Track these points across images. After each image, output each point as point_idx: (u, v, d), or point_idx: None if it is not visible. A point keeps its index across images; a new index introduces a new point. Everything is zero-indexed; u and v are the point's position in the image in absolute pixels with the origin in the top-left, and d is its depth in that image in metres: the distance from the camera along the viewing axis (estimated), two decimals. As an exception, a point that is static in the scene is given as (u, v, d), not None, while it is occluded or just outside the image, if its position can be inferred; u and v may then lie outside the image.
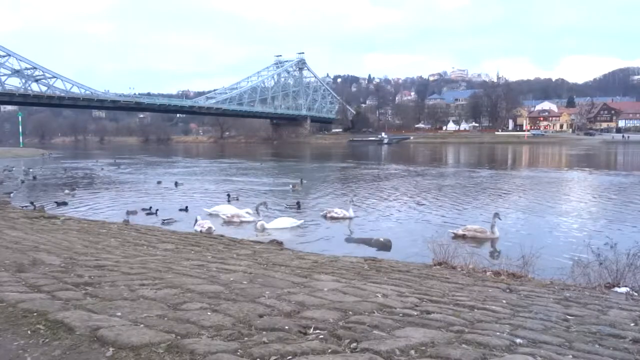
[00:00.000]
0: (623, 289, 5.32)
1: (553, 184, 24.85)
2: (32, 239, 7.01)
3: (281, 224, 12.42)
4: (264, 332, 2.84)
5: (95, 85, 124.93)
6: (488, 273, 6.06)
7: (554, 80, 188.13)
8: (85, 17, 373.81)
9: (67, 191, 20.60)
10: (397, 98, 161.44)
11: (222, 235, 9.63)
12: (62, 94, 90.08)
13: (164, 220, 13.19)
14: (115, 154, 63.81)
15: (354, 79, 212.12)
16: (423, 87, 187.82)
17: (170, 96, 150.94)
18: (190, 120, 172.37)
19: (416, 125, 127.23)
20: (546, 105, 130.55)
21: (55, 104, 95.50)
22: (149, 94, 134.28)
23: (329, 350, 2.58)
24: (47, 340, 2.60)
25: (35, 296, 3.48)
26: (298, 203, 16.22)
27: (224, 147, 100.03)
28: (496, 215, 11.54)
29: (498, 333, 3.09)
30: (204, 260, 5.89)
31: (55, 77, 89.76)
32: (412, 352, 2.62)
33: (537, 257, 6.72)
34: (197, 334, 2.77)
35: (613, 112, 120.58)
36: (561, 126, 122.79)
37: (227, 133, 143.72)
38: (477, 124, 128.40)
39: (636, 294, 5.19)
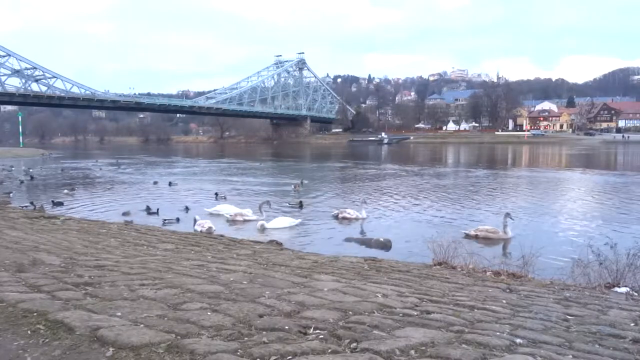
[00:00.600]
0: (623, 289, 5.32)
1: (553, 184, 24.86)
2: (32, 239, 7.00)
3: (280, 224, 12.44)
4: (264, 332, 2.83)
5: (95, 85, 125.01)
6: (488, 273, 6.06)
7: (554, 80, 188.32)
8: (85, 17, 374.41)
9: (65, 191, 20.59)
10: (397, 98, 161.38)
11: (222, 235, 9.63)
12: (62, 94, 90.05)
13: (165, 220, 13.20)
14: (115, 154, 63.83)
15: (354, 79, 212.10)
16: (423, 87, 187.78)
17: (170, 96, 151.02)
18: (190, 120, 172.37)
19: (416, 125, 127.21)
20: (546, 105, 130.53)
21: (55, 104, 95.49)
22: (149, 94, 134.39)
23: (329, 350, 2.58)
24: (47, 340, 2.60)
25: (35, 296, 3.48)
26: (301, 203, 16.26)
27: (223, 147, 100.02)
28: (507, 215, 11.30)
29: (498, 333, 3.08)
30: (204, 260, 5.89)
31: (55, 77, 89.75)
32: (412, 352, 2.62)
33: (537, 257, 6.71)
34: (197, 334, 2.77)
35: (613, 112, 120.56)
36: (561, 126, 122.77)
37: (227, 133, 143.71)
38: (477, 124, 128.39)
39: (636, 294, 5.19)
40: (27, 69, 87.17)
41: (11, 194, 18.97)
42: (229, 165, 41.13)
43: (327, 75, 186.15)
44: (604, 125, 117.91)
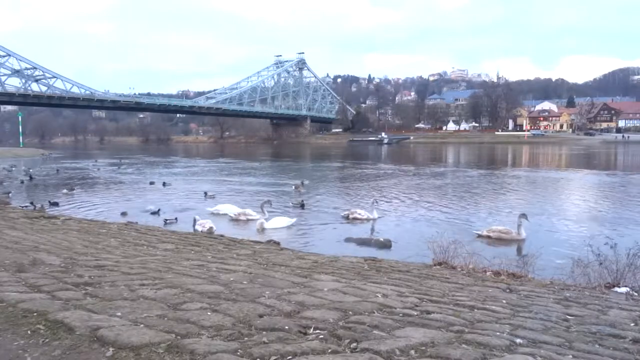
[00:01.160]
0: (623, 289, 5.32)
1: (553, 184, 24.86)
2: (32, 239, 7.00)
3: (279, 223, 12.45)
4: (264, 332, 2.83)
5: (95, 85, 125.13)
6: (488, 273, 6.06)
7: (554, 80, 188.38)
8: (85, 17, 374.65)
9: (65, 191, 20.61)
10: (397, 98, 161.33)
11: (222, 235, 9.62)
12: (62, 94, 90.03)
13: (166, 220, 13.21)
14: (115, 154, 63.80)
15: (354, 79, 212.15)
16: (423, 87, 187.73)
17: (170, 96, 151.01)
18: (190, 120, 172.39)
19: (416, 125, 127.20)
20: (546, 105, 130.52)
21: (55, 104, 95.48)
22: (149, 94, 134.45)
23: (329, 350, 2.58)
24: (47, 340, 2.60)
25: (35, 296, 3.48)
26: (302, 203, 16.28)
27: (223, 147, 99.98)
28: (523, 215, 10.96)
29: (498, 333, 3.08)
30: (204, 260, 5.89)
31: (55, 77, 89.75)
32: (412, 352, 2.62)
33: (537, 257, 6.72)
34: (197, 334, 2.77)
35: (613, 112, 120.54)
36: (561, 126, 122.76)
37: (227, 133, 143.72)
38: (477, 124, 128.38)
39: (636, 294, 5.18)
40: (27, 69, 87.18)
41: (10, 194, 18.96)
42: (229, 165, 41.12)
43: (327, 75, 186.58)
44: (604, 125, 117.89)
